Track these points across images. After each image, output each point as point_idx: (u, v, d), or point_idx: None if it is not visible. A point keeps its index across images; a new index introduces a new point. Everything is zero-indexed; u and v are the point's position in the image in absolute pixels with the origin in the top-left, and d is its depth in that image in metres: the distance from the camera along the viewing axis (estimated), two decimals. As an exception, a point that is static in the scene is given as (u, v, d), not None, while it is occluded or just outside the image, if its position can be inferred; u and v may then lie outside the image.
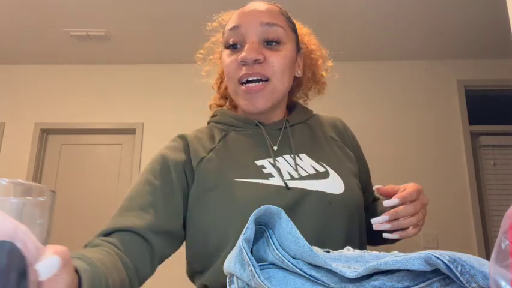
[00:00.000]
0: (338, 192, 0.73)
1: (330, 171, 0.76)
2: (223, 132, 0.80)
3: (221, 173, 0.72)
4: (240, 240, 0.45)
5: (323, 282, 0.43)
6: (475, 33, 3.17)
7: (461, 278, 0.38)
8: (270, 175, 0.72)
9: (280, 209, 0.47)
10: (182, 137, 0.79)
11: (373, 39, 3.29)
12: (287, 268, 0.45)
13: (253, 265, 0.43)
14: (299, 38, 0.85)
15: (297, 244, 0.44)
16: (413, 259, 0.39)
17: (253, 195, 0.69)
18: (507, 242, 0.33)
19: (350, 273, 0.42)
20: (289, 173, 0.73)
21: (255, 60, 0.72)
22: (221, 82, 0.93)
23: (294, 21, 0.86)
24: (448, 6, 2.84)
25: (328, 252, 0.50)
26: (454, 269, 0.38)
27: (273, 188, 0.70)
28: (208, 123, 0.87)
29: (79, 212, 3.46)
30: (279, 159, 0.75)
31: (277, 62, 0.74)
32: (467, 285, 0.38)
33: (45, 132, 3.64)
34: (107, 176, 3.54)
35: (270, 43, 0.75)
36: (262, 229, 0.48)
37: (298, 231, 0.45)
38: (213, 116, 0.87)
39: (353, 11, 2.88)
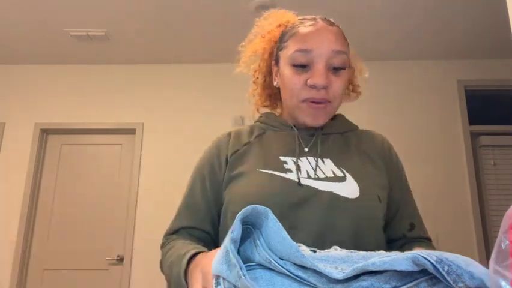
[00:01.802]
0: (351, 197, 0.75)
1: (349, 177, 0.79)
2: (261, 130, 0.89)
3: (248, 164, 0.81)
4: (226, 241, 0.45)
5: (310, 283, 0.43)
6: (475, 33, 3.17)
7: (448, 278, 0.38)
8: (289, 170, 0.78)
9: (267, 208, 0.47)
10: (227, 133, 0.92)
11: (374, 40, 3.28)
12: (274, 269, 0.45)
13: (240, 266, 0.43)
14: None
15: (284, 244, 0.44)
16: (401, 259, 0.40)
17: (269, 184, 0.76)
18: (507, 242, 0.33)
19: (337, 274, 0.42)
20: (307, 172, 0.78)
21: (324, 86, 0.79)
22: (264, 80, 0.96)
23: None
24: (448, 7, 2.84)
25: (315, 252, 0.50)
26: (441, 269, 0.38)
27: (288, 181, 0.76)
28: (254, 122, 0.97)
29: (78, 211, 3.46)
30: (303, 159, 0.81)
31: (339, 88, 0.80)
32: (454, 285, 0.38)
33: (45, 132, 3.64)
34: (107, 176, 3.54)
35: (336, 69, 0.80)
36: (249, 229, 0.48)
37: (285, 232, 0.45)
38: (260, 117, 0.96)
39: (353, 10, 2.88)
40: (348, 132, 0.90)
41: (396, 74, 3.59)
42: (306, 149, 0.83)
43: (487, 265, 0.38)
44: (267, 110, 0.98)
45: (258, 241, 0.47)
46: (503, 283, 0.33)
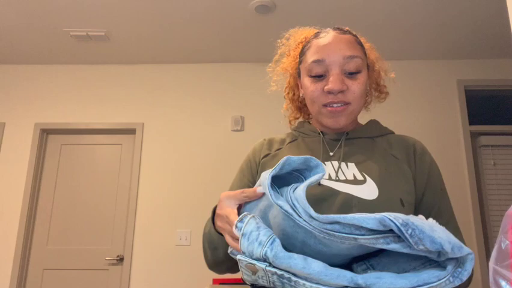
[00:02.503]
0: (368, 198, 0.77)
1: (369, 180, 0.81)
2: (293, 137, 0.97)
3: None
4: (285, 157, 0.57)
5: (297, 211, 0.53)
6: (475, 33, 3.17)
7: (410, 240, 0.43)
8: None
9: (324, 169, 0.60)
10: (265, 139, 1.00)
11: (374, 40, 3.28)
12: (283, 195, 0.57)
13: (276, 168, 0.56)
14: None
15: (300, 188, 0.55)
16: (369, 219, 0.45)
17: None
18: (507, 242, 0.33)
19: (314, 213, 0.51)
20: (329, 174, 0.83)
21: (340, 91, 0.84)
22: (293, 94, 1.03)
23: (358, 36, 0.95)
24: (448, 7, 2.84)
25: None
26: (404, 231, 0.43)
27: None
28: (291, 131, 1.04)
29: (78, 211, 3.46)
30: (327, 163, 0.86)
31: (357, 89, 0.85)
32: (416, 247, 0.43)
33: (45, 132, 3.64)
34: (107, 176, 3.54)
35: (351, 73, 0.85)
36: (301, 178, 0.60)
37: (309, 181, 0.56)
38: (295, 126, 1.04)
39: (354, 11, 2.88)
40: (378, 137, 0.93)
41: (397, 74, 3.58)
42: (331, 153, 0.88)
43: (487, 265, 0.38)
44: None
45: (296, 184, 0.58)
46: (503, 283, 0.33)
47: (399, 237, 0.44)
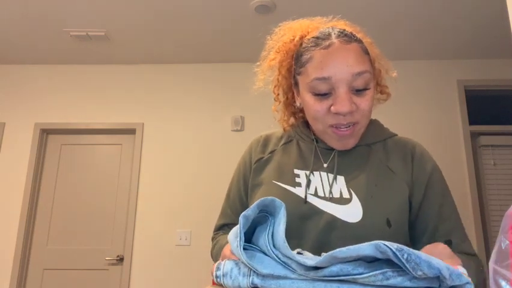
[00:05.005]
0: (351, 221, 0.74)
1: (355, 199, 0.76)
2: (289, 138, 0.92)
3: (266, 174, 0.86)
4: (240, 216, 0.54)
5: (291, 268, 0.51)
6: (475, 33, 3.17)
7: (407, 265, 0.42)
8: (298, 184, 0.81)
9: (283, 204, 0.56)
10: (260, 137, 0.96)
11: (373, 39, 3.28)
12: (267, 253, 0.54)
13: (240, 237, 0.52)
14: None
15: (277, 236, 0.53)
16: (365, 246, 0.45)
17: (278, 198, 0.76)
18: (507, 242, 0.33)
19: (310, 262, 0.49)
20: (316, 188, 0.79)
21: (349, 112, 0.76)
22: (286, 98, 0.93)
23: (357, 32, 0.86)
24: (448, 7, 2.84)
25: (299, 253, 0.60)
26: (400, 256, 0.42)
27: (295, 196, 0.79)
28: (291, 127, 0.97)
29: (78, 211, 3.46)
30: (316, 173, 0.81)
31: (366, 107, 0.77)
32: (414, 273, 0.42)
33: (45, 132, 3.64)
34: (107, 176, 3.54)
35: (359, 90, 0.76)
36: (268, 216, 0.57)
37: (283, 227, 0.54)
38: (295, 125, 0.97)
39: (353, 10, 2.88)
40: (377, 143, 0.86)
41: (397, 74, 3.58)
42: (325, 165, 0.82)
43: (487, 265, 0.38)
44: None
45: (268, 228, 0.55)
46: (503, 283, 0.33)
47: (397, 272, 0.44)
